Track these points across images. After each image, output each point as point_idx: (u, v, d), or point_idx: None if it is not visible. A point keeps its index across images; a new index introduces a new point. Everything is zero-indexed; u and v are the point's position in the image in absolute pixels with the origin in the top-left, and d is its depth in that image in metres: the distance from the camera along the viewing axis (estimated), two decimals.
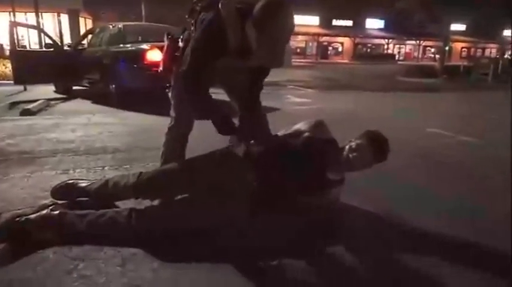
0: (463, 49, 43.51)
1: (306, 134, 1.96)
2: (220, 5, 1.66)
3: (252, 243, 1.69)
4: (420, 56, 42.04)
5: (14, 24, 6.94)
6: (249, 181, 1.77)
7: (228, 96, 2.20)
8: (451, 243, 1.77)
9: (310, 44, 38.93)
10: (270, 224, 1.81)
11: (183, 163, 1.94)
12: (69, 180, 2.03)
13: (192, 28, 1.84)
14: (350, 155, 1.89)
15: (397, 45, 42.51)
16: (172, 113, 2.07)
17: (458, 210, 2.15)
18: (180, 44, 1.95)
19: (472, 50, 43.82)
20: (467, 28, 38.21)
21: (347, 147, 1.93)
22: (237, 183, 1.75)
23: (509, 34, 33.70)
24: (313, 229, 1.85)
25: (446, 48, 18.70)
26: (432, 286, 1.46)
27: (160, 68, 2.07)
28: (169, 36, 2.03)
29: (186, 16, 1.92)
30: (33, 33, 11.16)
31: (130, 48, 5.81)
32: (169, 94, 2.06)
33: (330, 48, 40.60)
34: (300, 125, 2.06)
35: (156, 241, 1.62)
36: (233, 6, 1.65)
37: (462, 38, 39.26)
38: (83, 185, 1.95)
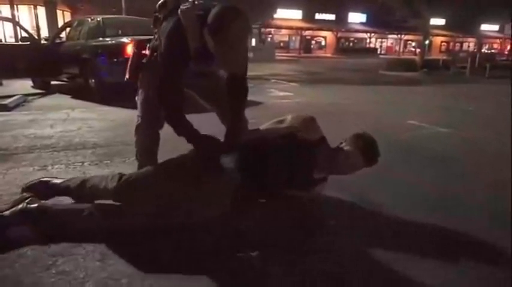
0: (443, 43, 44.36)
1: (299, 133, 1.92)
2: (180, 12, 1.67)
3: (235, 240, 1.70)
4: (401, 50, 42.66)
5: None
6: (232, 178, 1.75)
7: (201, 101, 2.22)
8: (435, 236, 1.82)
9: (293, 38, 38.98)
10: (253, 220, 1.82)
11: (161, 165, 1.87)
12: (42, 178, 1.93)
13: (156, 36, 1.86)
14: (342, 160, 1.89)
15: (379, 40, 43.03)
16: (138, 112, 2.07)
17: (441, 203, 2.21)
18: (147, 52, 1.96)
19: (451, 44, 44.71)
20: (446, 22, 38.91)
21: (339, 151, 1.91)
22: (218, 181, 1.74)
23: (487, 29, 34.53)
24: (296, 224, 1.86)
25: (426, 42, 18.99)
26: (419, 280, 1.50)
27: (127, 76, 2.06)
28: (136, 41, 2.03)
29: (151, 26, 1.95)
30: (9, 26, 10.79)
31: (110, 42, 5.70)
32: (136, 97, 2.07)
33: (313, 42, 40.74)
34: (291, 120, 2.00)
35: (136, 236, 1.61)
36: (193, 13, 1.67)
37: (442, 32, 39.97)
38: (57, 182, 1.86)
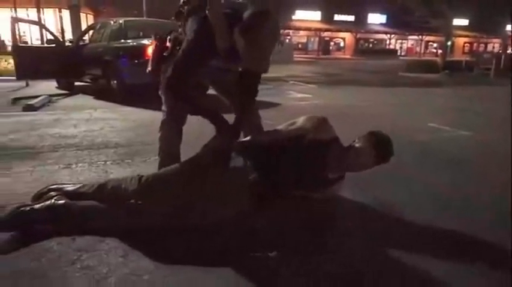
0: (466, 44, 43.24)
1: (311, 133, 1.94)
2: (207, 10, 1.70)
3: (249, 239, 1.72)
4: (422, 51, 41.86)
5: (15, 20, 6.96)
6: (247, 178, 1.78)
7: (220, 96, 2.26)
8: (447, 239, 1.80)
9: (312, 39, 38.77)
10: (267, 219, 1.84)
11: (179, 166, 1.88)
12: (52, 185, 1.91)
13: (180, 30, 1.90)
14: (353, 158, 1.90)
15: (399, 41, 42.34)
16: (164, 107, 2.11)
17: (458, 206, 2.17)
18: (168, 44, 2.00)
19: (475, 45, 43.54)
20: (469, 23, 37.93)
21: (351, 149, 1.94)
22: (234, 180, 1.76)
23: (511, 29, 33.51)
24: (307, 225, 1.87)
25: (449, 43, 18.60)
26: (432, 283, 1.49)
27: (149, 68, 2.10)
28: (157, 37, 2.07)
29: (173, 18, 1.98)
30: (35, 29, 11.17)
31: (131, 43, 5.83)
32: (159, 91, 2.11)
33: (332, 43, 40.43)
34: (303, 121, 2.03)
35: (158, 234, 1.65)
36: (221, 11, 1.72)
37: (465, 33, 39.00)
38: (70, 189, 1.84)
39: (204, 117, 1.89)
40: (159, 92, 2.11)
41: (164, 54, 2.00)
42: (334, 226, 1.89)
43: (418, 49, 42.17)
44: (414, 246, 1.69)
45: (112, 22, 6.72)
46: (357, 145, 1.92)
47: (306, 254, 1.58)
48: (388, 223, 1.92)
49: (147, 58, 5.63)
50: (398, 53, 39.07)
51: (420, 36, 40.18)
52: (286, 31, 34.37)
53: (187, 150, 2.09)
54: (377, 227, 1.86)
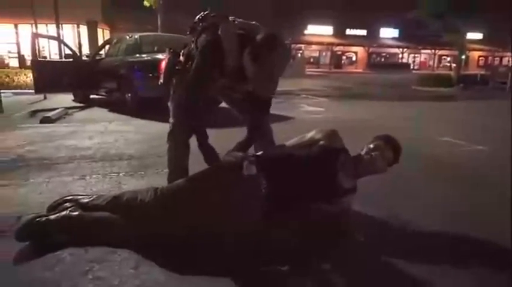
0: (481, 58, 42.81)
1: (320, 143, 1.96)
2: (220, 30, 1.74)
3: (261, 252, 1.71)
4: (435, 65, 41.56)
5: (35, 36, 7.20)
6: (259, 190, 1.78)
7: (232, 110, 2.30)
8: (463, 256, 1.76)
9: (324, 53, 38.95)
10: (279, 233, 1.82)
11: (193, 178, 1.89)
12: (66, 196, 1.91)
13: (193, 45, 1.94)
14: (365, 157, 1.90)
15: (412, 55, 42.16)
16: (171, 119, 2.14)
17: (468, 220, 2.13)
18: (181, 58, 2.04)
19: (490, 58, 43.05)
20: (484, 37, 37.62)
21: (362, 151, 1.94)
22: (245, 193, 1.77)
23: None
24: (322, 237, 1.85)
25: (463, 57, 18.45)
26: None
27: (161, 81, 2.15)
28: (171, 50, 2.12)
29: (188, 33, 2.03)
30: (54, 44, 11.54)
31: (146, 58, 5.95)
32: (168, 103, 2.14)
33: (344, 57, 40.50)
34: (313, 134, 2.06)
35: (169, 246, 1.65)
36: (234, 31, 1.75)
37: (479, 46, 38.68)
38: (85, 201, 1.84)
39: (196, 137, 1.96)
40: (168, 104, 2.14)
41: (177, 67, 2.05)
42: (346, 238, 1.87)
43: (431, 63, 41.89)
44: (426, 259, 1.65)
45: (128, 37, 6.89)
46: (367, 150, 1.92)
47: (317, 268, 1.56)
48: (400, 236, 1.90)
49: (161, 72, 5.74)
50: (411, 67, 38.86)
51: (433, 50, 39.97)
52: (298, 45, 34.66)
53: (196, 160, 2.11)
54: (389, 240, 1.83)
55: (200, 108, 1.92)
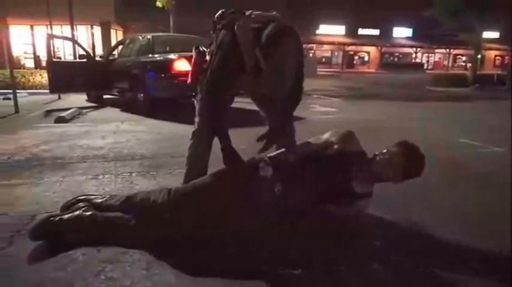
0: (497, 57, 41.92)
1: (336, 146, 1.91)
2: (236, 26, 1.70)
3: (274, 254, 1.68)
4: (450, 64, 40.87)
5: (50, 37, 7.30)
6: (273, 190, 1.75)
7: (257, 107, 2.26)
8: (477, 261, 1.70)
9: (336, 53, 38.66)
10: (291, 233, 1.80)
11: (209, 179, 1.88)
12: (80, 196, 1.92)
13: (214, 43, 1.92)
14: (381, 166, 1.83)
15: (426, 54, 41.55)
16: (196, 118, 2.13)
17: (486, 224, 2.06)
18: (207, 57, 2.02)
19: (507, 58, 42.10)
20: (500, 35, 36.82)
21: (379, 158, 1.86)
22: (259, 193, 1.74)
23: None
24: (338, 240, 1.82)
25: (479, 56, 18.04)
26: None
27: (189, 80, 2.14)
28: (197, 50, 2.10)
29: (211, 32, 2.00)
30: (68, 44, 11.68)
31: (158, 58, 5.98)
32: (195, 101, 2.13)
33: (356, 57, 40.13)
34: (329, 135, 2.00)
35: (181, 247, 1.64)
36: (249, 26, 1.70)
37: (496, 46, 37.88)
38: (98, 201, 1.84)
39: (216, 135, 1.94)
40: (194, 102, 2.13)
41: (204, 66, 2.02)
42: (362, 242, 1.84)
43: (445, 63, 41.21)
44: (440, 264, 1.61)
45: (140, 37, 6.93)
46: (386, 156, 1.83)
47: (332, 270, 1.53)
48: (417, 240, 1.85)
49: (173, 72, 5.76)
50: (425, 67, 38.27)
51: (448, 50, 39.30)
52: (310, 45, 34.48)
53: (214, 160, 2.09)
54: (404, 244, 1.80)
55: (220, 109, 1.89)
